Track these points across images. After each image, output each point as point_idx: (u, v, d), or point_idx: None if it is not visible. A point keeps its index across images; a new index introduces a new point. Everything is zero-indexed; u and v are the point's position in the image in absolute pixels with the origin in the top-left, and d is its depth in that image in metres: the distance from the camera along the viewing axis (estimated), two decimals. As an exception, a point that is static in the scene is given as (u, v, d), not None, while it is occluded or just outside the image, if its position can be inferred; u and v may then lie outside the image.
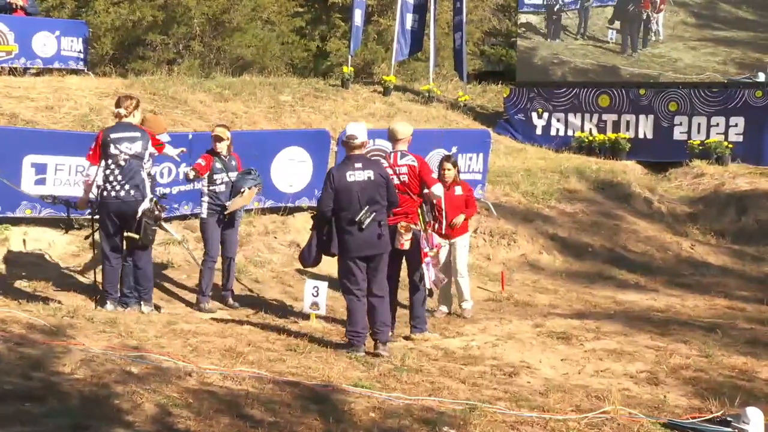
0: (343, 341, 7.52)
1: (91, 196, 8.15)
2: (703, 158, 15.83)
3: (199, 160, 8.89)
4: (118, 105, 8.19)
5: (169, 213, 10.10)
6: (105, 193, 7.94)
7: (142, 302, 8.15)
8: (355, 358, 7.08)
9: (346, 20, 20.96)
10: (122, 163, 7.91)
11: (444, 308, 9.32)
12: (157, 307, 8.38)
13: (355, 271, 7.31)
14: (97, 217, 8.22)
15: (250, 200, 9.07)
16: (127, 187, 7.91)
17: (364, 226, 7.18)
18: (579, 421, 5.84)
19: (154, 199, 8.13)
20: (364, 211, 7.16)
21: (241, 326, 7.81)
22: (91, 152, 8.03)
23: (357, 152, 7.38)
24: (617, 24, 17.38)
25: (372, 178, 7.28)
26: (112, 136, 7.97)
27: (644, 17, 17.04)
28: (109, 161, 7.92)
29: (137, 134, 8.03)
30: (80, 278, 9.12)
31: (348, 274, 7.35)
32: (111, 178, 7.93)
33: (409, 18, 18.95)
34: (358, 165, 7.31)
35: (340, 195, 7.23)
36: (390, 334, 7.58)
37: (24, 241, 9.41)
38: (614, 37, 17.45)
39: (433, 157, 11.93)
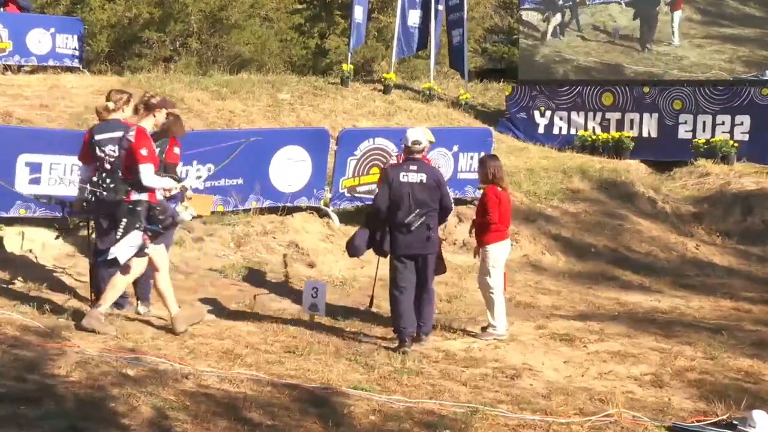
0: (387, 343, 7.74)
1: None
2: (708, 157, 15.82)
3: (176, 150, 8.27)
4: (108, 98, 8.01)
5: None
6: (98, 194, 7.91)
7: (139, 302, 8.14)
8: (403, 355, 7.35)
9: (346, 17, 20.97)
10: (107, 165, 7.81)
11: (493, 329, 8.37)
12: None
13: (402, 268, 7.72)
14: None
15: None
16: (117, 189, 7.88)
17: (412, 228, 7.60)
18: (582, 424, 5.84)
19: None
20: (413, 215, 7.58)
21: (239, 328, 7.81)
22: (81, 152, 7.98)
23: (416, 156, 7.80)
24: (625, 21, 17.37)
25: (424, 181, 7.66)
26: (97, 137, 7.84)
27: (656, 13, 17.01)
28: (97, 163, 7.83)
29: (121, 134, 7.88)
30: (75, 279, 9.12)
31: (396, 271, 7.76)
32: (100, 181, 7.86)
33: (413, 14, 18.96)
34: (413, 167, 7.73)
35: (393, 194, 7.66)
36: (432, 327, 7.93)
37: (18, 241, 9.40)
38: (618, 35, 17.45)
39: (434, 157, 11.94)
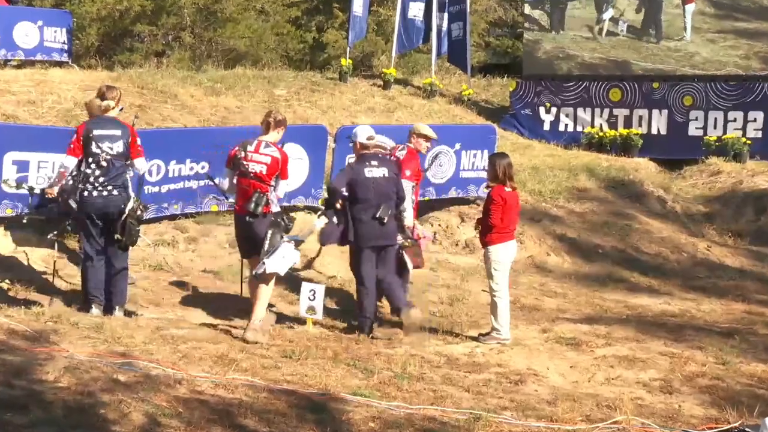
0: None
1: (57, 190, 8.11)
2: (719, 155, 15.83)
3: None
4: (102, 96, 8.06)
5: (158, 213, 10.13)
6: (86, 193, 7.88)
7: (116, 306, 8.12)
8: (370, 339, 8.03)
9: (345, 10, 20.97)
10: (104, 163, 7.85)
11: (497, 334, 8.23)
12: (129, 313, 8.25)
13: (367, 260, 8.31)
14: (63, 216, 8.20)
15: None
16: (109, 187, 7.89)
17: (385, 222, 8.23)
18: (589, 431, 5.84)
19: (138, 199, 8.13)
20: (383, 209, 8.19)
21: (234, 332, 7.81)
22: (72, 145, 7.91)
23: (369, 151, 8.43)
24: (632, 15, 17.34)
25: (387, 175, 8.35)
26: (95, 132, 7.88)
27: (662, 5, 16.96)
28: (90, 159, 7.85)
29: (118, 132, 7.96)
30: (65, 281, 9.12)
31: (359, 262, 8.35)
32: (92, 179, 7.85)
33: (414, 7, 18.94)
34: (374, 162, 8.36)
35: (358, 188, 8.22)
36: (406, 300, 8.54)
37: (5, 242, 9.40)
38: (625, 28, 17.44)
39: (436, 154, 11.94)
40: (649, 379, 7.24)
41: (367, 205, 8.21)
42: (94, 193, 7.88)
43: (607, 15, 17.55)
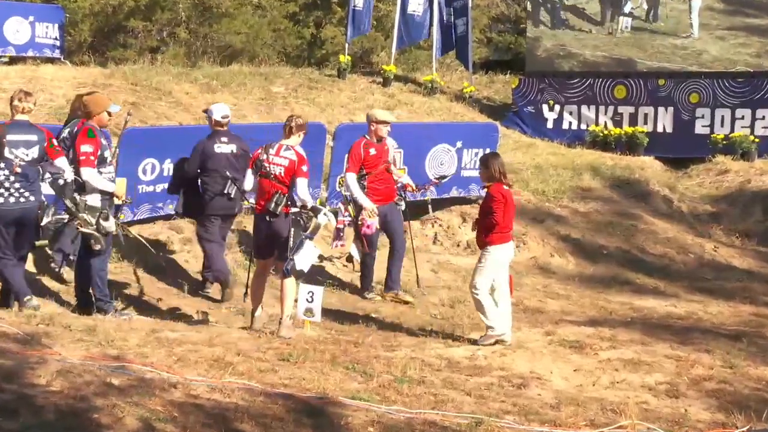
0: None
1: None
2: (727, 153, 15.84)
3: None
4: (25, 97, 7.98)
5: (152, 213, 10.13)
6: (2, 200, 7.81)
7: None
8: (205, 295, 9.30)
9: (343, 5, 20.98)
10: (18, 170, 7.79)
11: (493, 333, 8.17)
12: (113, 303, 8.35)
13: (213, 226, 9.33)
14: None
15: None
16: (26, 194, 7.87)
17: (232, 197, 9.19)
18: (593, 436, 5.85)
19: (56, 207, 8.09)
20: (230, 184, 9.08)
21: (230, 334, 7.82)
22: None
23: (222, 129, 9.30)
24: (637, 10, 17.33)
25: (235, 151, 9.26)
26: (9, 137, 7.79)
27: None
28: (1, 164, 7.78)
29: (34, 137, 7.88)
30: (57, 283, 9.13)
31: (207, 228, 9.34)
32: (7, 185, 7.80)
33: (413, 1, 18.93)
34: (224, 139, 9.29)
35: (208, 162, 9.16)
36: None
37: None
38: (629, 25, 17.43)
39: (437, 153, 11.95)
40: (654, 382, 7.24)
41: (217, 177, 9.11)
42: (11, 200, 7.83)
43: (628, 7, 17.47)
